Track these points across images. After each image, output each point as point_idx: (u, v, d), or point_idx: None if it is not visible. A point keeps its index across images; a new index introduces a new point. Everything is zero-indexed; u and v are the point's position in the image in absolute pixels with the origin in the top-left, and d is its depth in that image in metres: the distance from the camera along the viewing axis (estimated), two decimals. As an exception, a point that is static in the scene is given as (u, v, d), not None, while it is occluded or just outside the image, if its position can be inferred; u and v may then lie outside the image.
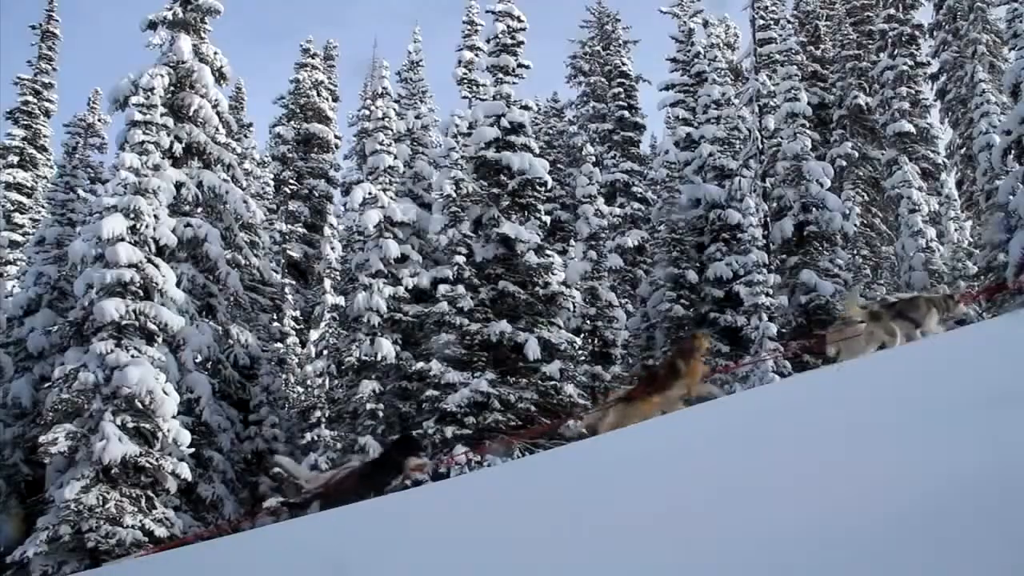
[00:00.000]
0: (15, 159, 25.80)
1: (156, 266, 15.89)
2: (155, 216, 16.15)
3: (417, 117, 24.14)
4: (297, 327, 24.26)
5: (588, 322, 20.08)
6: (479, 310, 17.22)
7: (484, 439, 15.01)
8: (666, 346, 19.24)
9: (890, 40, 26.66)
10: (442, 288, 17.36)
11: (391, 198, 19.85)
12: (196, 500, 16.52)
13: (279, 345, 21.92)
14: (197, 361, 17.10)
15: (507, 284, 17.53)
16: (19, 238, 24.70)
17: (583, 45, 31.82)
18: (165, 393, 14.82)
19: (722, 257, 19.11)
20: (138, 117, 16.76)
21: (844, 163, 25.56)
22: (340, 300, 19.94)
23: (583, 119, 30.15)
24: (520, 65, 19.66)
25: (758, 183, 22.55)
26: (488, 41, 20.30)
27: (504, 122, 18.59)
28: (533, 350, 16.78)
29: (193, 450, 15.61)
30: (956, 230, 27.84)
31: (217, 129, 19.21)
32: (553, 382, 16.89)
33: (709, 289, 19.05)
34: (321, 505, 7.20)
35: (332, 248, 27.17)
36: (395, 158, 20.73)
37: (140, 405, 14.63)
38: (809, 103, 22.43)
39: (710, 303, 19.06)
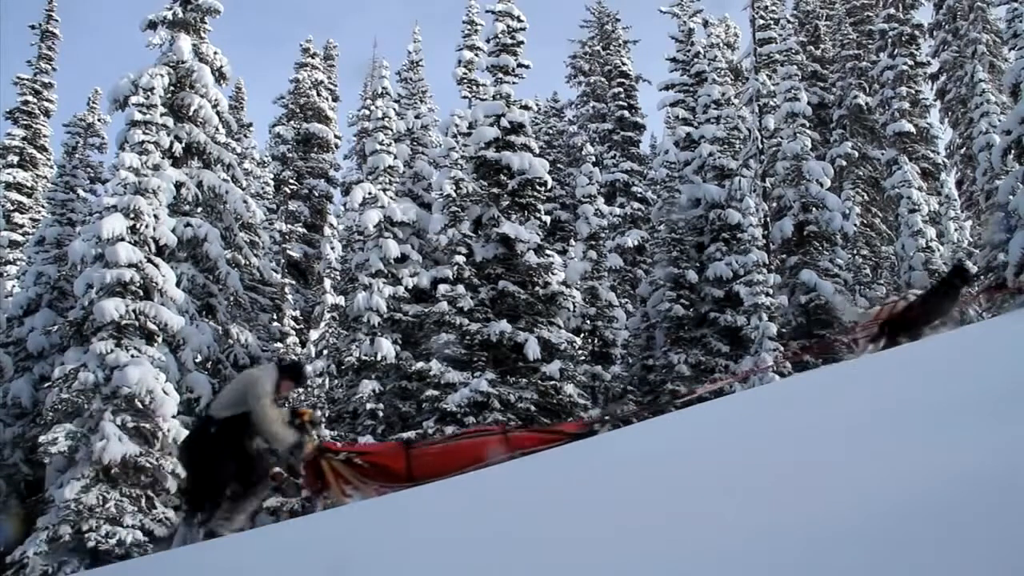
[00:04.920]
0: (15, 159, 25.79)
1: (156, 266, 15.89)
2: (155, 216, 16.15)
3: (417, 117, 24.14)
4: (297, 327, 24.26)
5: (588, 322, 20.08)
6: (479, 310, 17.22)
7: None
8: (666, 346, 19.26)
9: (890, 40, 26.67)
10: (442, 288, 17.36)
11: (391, 198, 19.85)
12: (196, 500, 16.50)
13: (279, 345, 21.92)
14: (197, 361, 17.10)
15: (507, 284, 17.53)
16: (19, 238, 24.69)
17: (583, 45, 31.84)
18: (165, 393, 14.82)
19: (722, 257, 19.11)
20: (138, 117, 16.76)
21: (844, 163, 25.57)
22: (340, 300, 19.94)
23: (583, 119, 30.17)
24: (520, 65, 19.67)
25: (758, 183, 22.57)
26: (488, 41, 20.30)
27: (504, 122, 18.59)
28: (533, 350, 16.78)
29: (193, 450, 15.59)
30: (956, 230, 27.87)
31: (217, 129, 19.21)
32: (553, 382, 16.89)
33: (709, 289, 19.05)
34: (884, 343, 8.13)
35: (332, 248, 27.18)
36: (395, 158, 20.73)
37: (140, 405, 14.63)
38: (809, 103, 22.45)
39: (710, 303, 19.06)
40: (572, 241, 23.12)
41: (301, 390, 21.96)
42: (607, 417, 6.65)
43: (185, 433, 15.01)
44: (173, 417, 14.94)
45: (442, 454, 5.94)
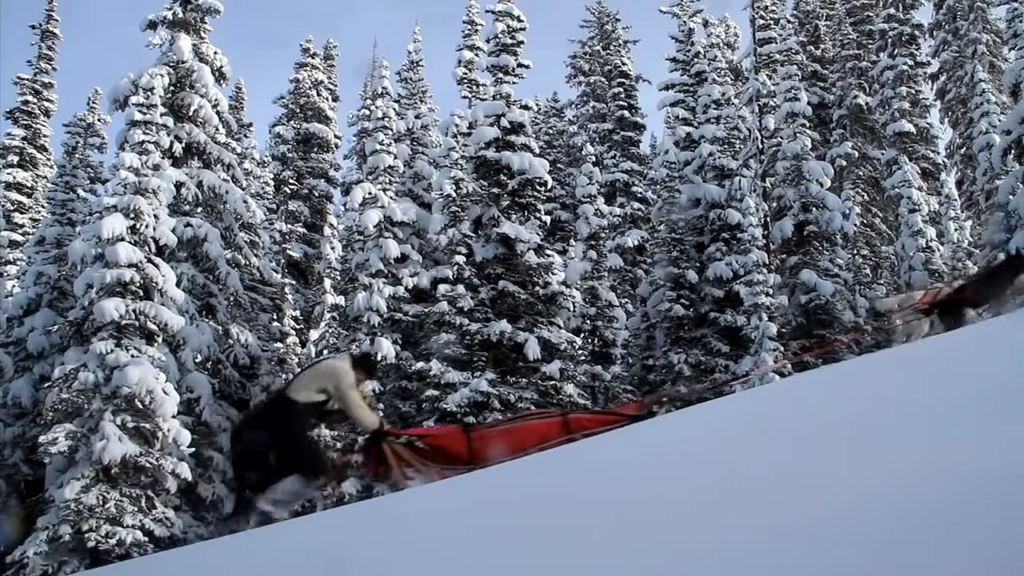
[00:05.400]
0: (15, 159, 25.79)
1: (156, 266, 15.89)
2: (155, 216, 16.16)
3: (417, 117, 24.15)
4: (297, 327, 24.27)
5: (588, 322, 20.09)
6: (479, 310, 17.23)
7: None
8: (666, 346, 19.27)
9: (890, 40, 26.68)
10: (442, 288, 17.37)
11: (391, 198, 19.85)
12: (196, 500, 16.52)
13: (279, 345, 21.93)
14: (197, 361, 17.10)
15: (507, 284, 17.53)
16: (19, 238, 24.70)
17: (583, 45, 31.85)
18: (165, 393, 14.82)
19: (722, 257, 19.12)
20: (138, 117, 16.76)
21: (844, 163, 25.58)
22: (340, 300, 19.96)
23: (583, 119, 30.18)
24: (520, 65, 19.67)
25: (758, 183, 22.57)
26: (488, 41, 20.31)
27: (504, 122, 18.60)
28: (533, 350, 16.79)
29: (193, 450, 15.62)
30: (956, 230, 27.89)
31: (217, 129, 19.22)
32: (553, 382, 16.89)
33: (709, 289, 19.06)
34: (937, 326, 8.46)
35: (332, 248, 27.18)
36: (395, 158, 20.73)
37: (140, 405, 14.63)
38: (809, 103, 22.44)
39: (710, 303, 19.06)
40: (572, 241, 23.13)
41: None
42: (665, 399, 6.60)
43: (186, 433, 15.07)
44: (173, 417, 14.94)
45: (503, 436, 5.94)
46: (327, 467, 5.75)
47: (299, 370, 6.70)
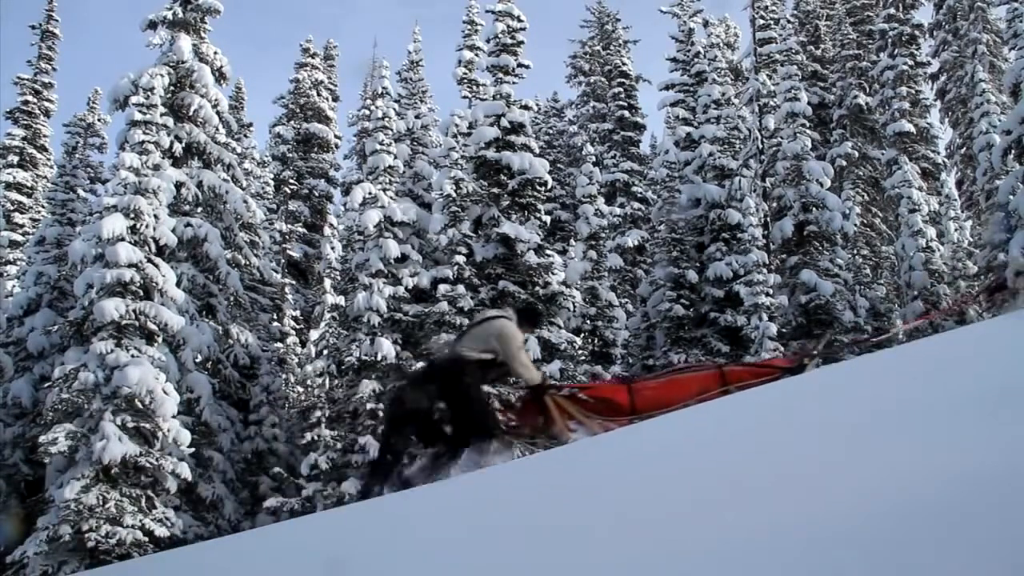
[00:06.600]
0: (15, 159, 25.80)
1: (156, 266, 15.89)
2: (155, 216, 16.16)
3: (417, 117, 24.14)
4: (297, 327, 24.27)
5: (588, 322, 20.08)
6: (479, 310, 17.21)
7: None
8: (666, 346, 19.27)
9: (890, 40, 26.68)
10: (442, 288, 17.36)
11: (391, 198, 19.84)
12: (196, 500, 16.53)
13: (279, 345, 21.93)
14: (197, 361, 17.10)
15: (507, 284, 17.53)
16: (19, 238, 24.70)
17: (583, 45, 31.87)
18: (165, 393, 14.82)
19: (722, 257, 19.11)
20: (138, 117, 16.76)
21: (844, 163, 25.58)
22: (340, 300, 19.91)
23: (583, 119, 30.18)
24: (520, 65, 19.67)
25: (758, 183, 22.56)
26: (488, 41, 20.30)
27: (504, 122, 18.59)
28: (533, 350, 16.78)
29: (193, 450, 15.62)
30: (956, 230, 27.89)
31: (217, 129, 19.22)
32: (553, 382, 16.87)
33: (709, 289, 19.05)
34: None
35: (332, 248, 27.17)
36: (395, 158, 20.72)
37: (140, 405, 14.63)
38: (809, 103, 22.43)
39: (710, 303, 19.06)
40: (572, 241, 23.11)
41: (301, 390, 22.01)
42: (815, 352, 6.64)
43: (186, 433, 15.07)
44: (173, 417, 14.94)
45: (663, 388, 6.02)
46: (499, 424, 5.79)
47: (468, 326, 6.76)
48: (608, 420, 5.71)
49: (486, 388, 6.09)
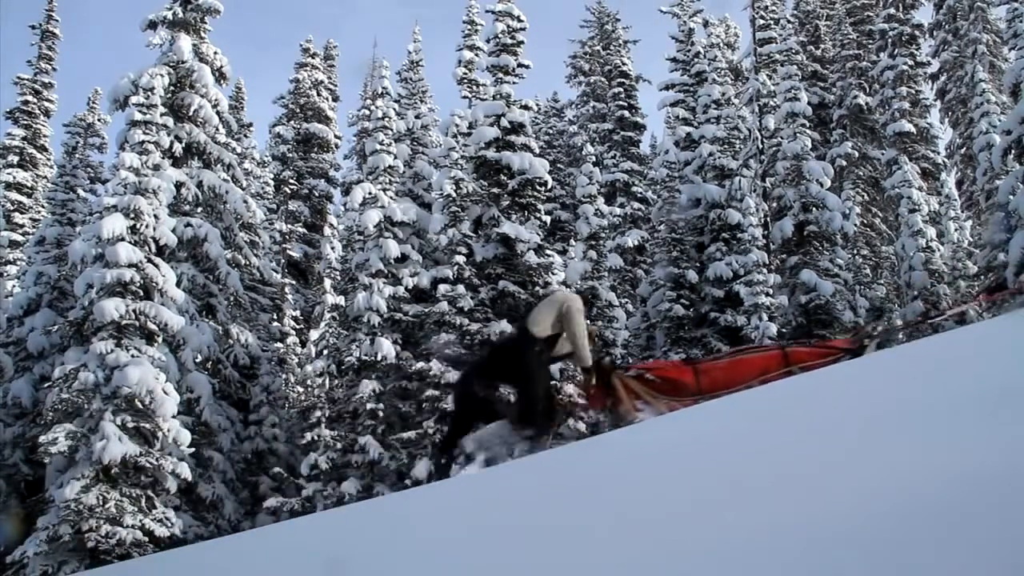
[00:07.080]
0: (15, 159, 25.80)
1: (156, 266, 15.89)
2: (155, 216, 16.15)
3: (417, 117, 24.14)
4: (297, 327, 24.27)
5: (588, 322, 20.05)
6: (479, 310, 17.22)
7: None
8: (666, 346, 19.26)
9: (890, 40, 26.68)
10: (442, 288, 17.36)
11: (391, 198, 19.85)
12: (196, 500, 16.53)
13: (279, 345, 21.93)
14: (197, 361, 17.10)
15: (507, 284, 17.53)
16: (19, 238, 24.71)
17: (583, 45, 31.86)
18: (165, 393, 14.82)
19: (722, 257, 19.11)
20: (138, 117, 16.76)
21: (844, 163, 25.59)
22: (340, 300, 19.92)
23: (583, 119, 30.17)
24: (520, 65, 19.67)
25: (758, 183, 22.57)
26: (488, 41, 20.30)
27: (504, 122, 18.59)
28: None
29: (193, 450, 15.62)
30: (956, 230, 27.90)
31: (217, 129, 19.22)
32: (553, 382, 16.88)
33: (709, 289, 19.05)
34: None
35: (332, 248, 27.18)
36: (395, 158, 20.72)
37: (140, 405, 14.63)
38: (809, 103, 22.44)
39: (710, 303, 19.06)
40: (572, 241, 23.10)
41: (301, 390, 22.01)
42: (875, 334, 6.66)
43: (186, 433, 15.07)
44: (173, 417, 14.93)
45: (728, 368, 6.05)
46: (555, 413, 5.84)
47: (533, 304, 6.86)
48: (675, 400, 5.76)
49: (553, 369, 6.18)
